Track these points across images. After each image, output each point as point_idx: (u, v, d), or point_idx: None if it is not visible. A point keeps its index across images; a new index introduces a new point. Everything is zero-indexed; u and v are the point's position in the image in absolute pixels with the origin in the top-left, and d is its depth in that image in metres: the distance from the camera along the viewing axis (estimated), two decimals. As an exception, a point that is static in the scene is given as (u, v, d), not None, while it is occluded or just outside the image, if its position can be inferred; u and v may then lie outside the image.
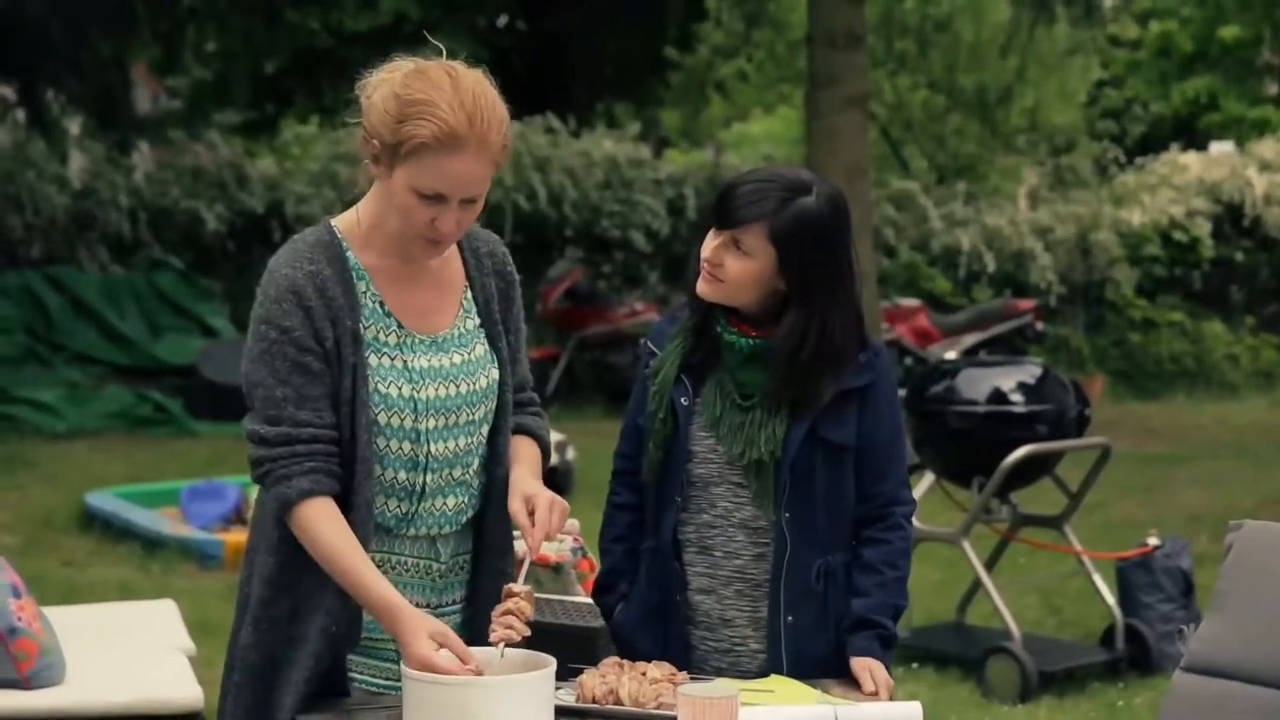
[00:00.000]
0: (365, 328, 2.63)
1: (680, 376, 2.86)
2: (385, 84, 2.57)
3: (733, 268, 2.77)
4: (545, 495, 2.65)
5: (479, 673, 2.49)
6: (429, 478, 2.66)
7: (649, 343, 2.95)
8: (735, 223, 2.76)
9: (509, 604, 2.57)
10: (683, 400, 2.85)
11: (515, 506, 2.66)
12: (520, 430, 2.81)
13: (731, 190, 2.79)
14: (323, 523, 2.56)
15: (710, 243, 2.80)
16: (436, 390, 2.65)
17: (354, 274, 2.64)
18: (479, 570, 2.75)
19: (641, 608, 2.91)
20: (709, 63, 19.42)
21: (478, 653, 2.55)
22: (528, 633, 2.57)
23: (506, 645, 2.55)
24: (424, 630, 2.50)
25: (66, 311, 11.94)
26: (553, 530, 2.63)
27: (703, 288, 2.81)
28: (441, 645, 2.49)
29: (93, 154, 13.12)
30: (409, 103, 2.52)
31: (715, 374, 2.85)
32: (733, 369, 2.84)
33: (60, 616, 4.35)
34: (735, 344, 2.83)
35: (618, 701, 2.60)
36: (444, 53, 2.64)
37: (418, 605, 2.62)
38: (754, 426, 2.80)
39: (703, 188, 13.60)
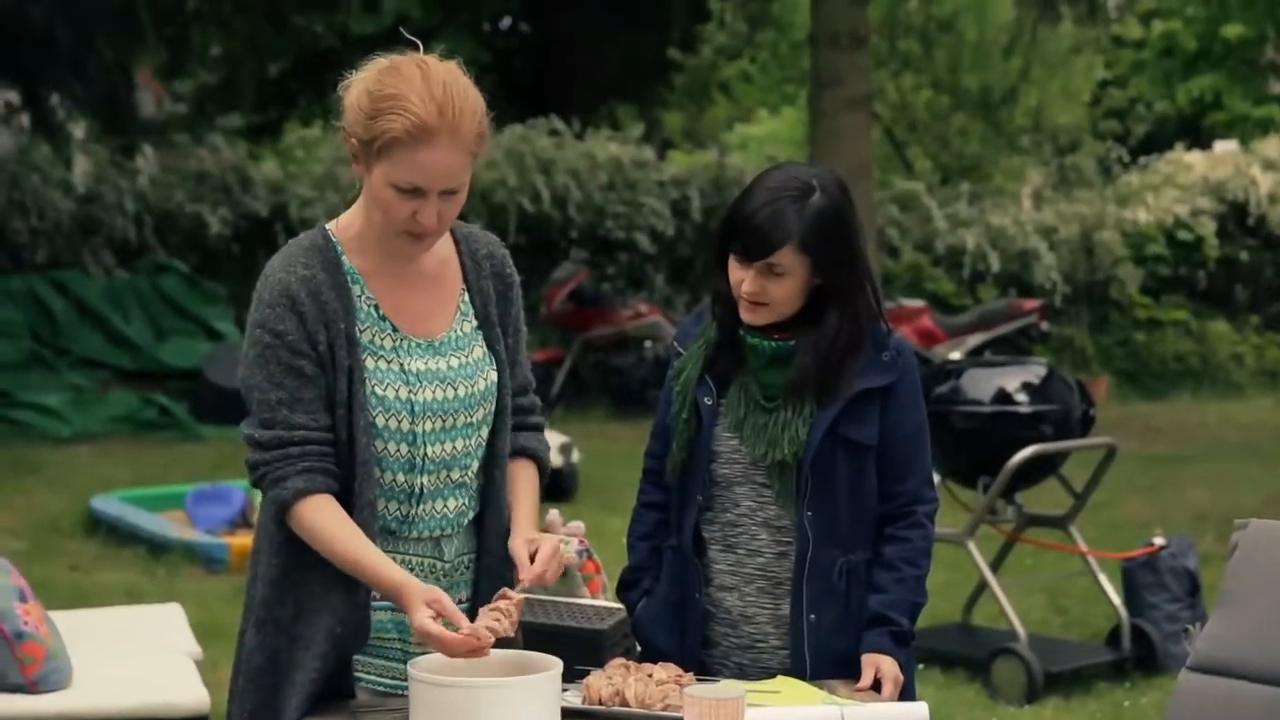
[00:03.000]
0: (360, 331, 2.64)
1: (704, 377, 2.89)
2: (360, 82, 2.59)
3: (775, 291, 2.80)
4: (551, 543, 2.67)
5: (476, 638, 2.50)
6: (425, 480, 2.67)
7: (675, 343, 2.99)
8: (765, 253, 2.78)
9: (499, 603, 2.58)
10: (706, 400, 2.88)
11: (517, 544, 2.66)
12: (521, 453, 2.81)
13: (748, 222, 2.79)
14: (321, 516, 2.57)
15: (743, 274, 2.81)
16: (433, 393, 2.66)
17: (348, 277, 2.65)
18: (479, 571, 2.76)
19: (662, 604, 2.94)
20: (712, 64, 19.42)
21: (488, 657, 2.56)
22: (511, 633, 2.57)
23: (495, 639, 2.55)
24: (420, 600, 2.52)
25: (71, 316, 11.94)
26: (549, 577, 2.64)
27: (749, 317, 2.84)
28: (438, 615, 2.51)
29: (97, 158, 13.13)
30: (380, 98, 2.54)
31: (739, 376, 2.88)
32: (756, 371, 2.87)
33: (66, 621, 4.35)
34: (759, 347, 2.86)
35: (624, 703, 2.61)
36: (420, 47, 2.64)
37: None
38: (777, 427, 2.83)
39: (707, 189, 13.59)
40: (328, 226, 2.70)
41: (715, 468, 2.89)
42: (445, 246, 2.73)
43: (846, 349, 2.82)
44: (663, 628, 2.93)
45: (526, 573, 2.64)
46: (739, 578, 2.90)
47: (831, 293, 2.83)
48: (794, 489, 2.83)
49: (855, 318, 2.83)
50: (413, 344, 2.67)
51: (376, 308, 2.66)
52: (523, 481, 2.80)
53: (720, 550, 2.91)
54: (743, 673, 2.89)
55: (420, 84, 2.54)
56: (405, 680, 2.60)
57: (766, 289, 2.80)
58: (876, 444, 2.85)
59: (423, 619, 2.50)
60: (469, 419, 2.69)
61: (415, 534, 2.69)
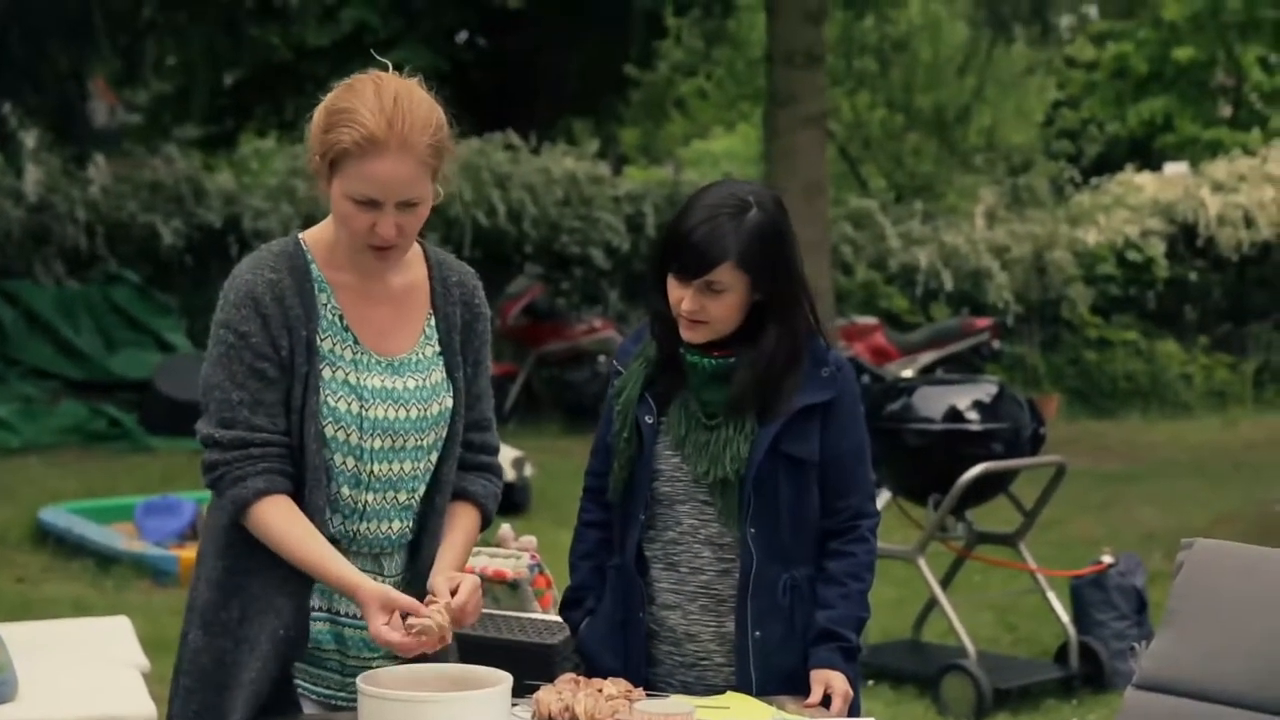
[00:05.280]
0: (321, 339, 2.65)
1: (644, 395, 2.88)
2: (324, 100, 2.64)
3: (714, 309, 2.81)
4: (472, 581, 2.63)
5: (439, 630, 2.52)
6: (370, 497, 2.67)
7: (615, 362, 2.98)
8: (703, 270, 2.78)
9: (434, 606, 2.57)
10: (647, 419, 2.87)
11: (438, 581, 2.63)
12: (469, 497, 2.78)
13: (685, 240, 2.79)
14: (279, 515, 2.59)
15: (681, 293, 2.81)
16: (385, 411, 2.66)
17: (315, 285, 2.66)
18: (409, 593, 2.68)
19: (606, 623, 2.94)
20: (669, 80, 19.45)
21: (430, 670, 2.56)
22: (448, 638, 2.58)
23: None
24: (375, 605, 2.55)
25: (21, 325, 11.84)
26: (466, 616, 2.59)
27: (689, 335, 2.84)
28: (393, 613, 2.53)
29: (49, 167, 13.03)
30: (333, 112, 2.59)
31: (680, 394, 2.88)
32: (697, 389, 2.86)
33: (13, 633, 4.31)
34: (699, 365, 2.86)
35: (574, 718, 2.61)
36: (389, 66, 2.66)
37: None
38: (719, 445, 2.83)
39: (662, 205, 13.61)
40: (300, 236, 2.72)
41: (657, 486, 2.88)
42: (418, 269, 2.74)
43: (786, 365, 2.82)
44: (606, 647, 2.92)
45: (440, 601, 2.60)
46: (682, 596, 2.90)
47: (770, 309, 2.83)
48: (736, 506, 2.83)
49: (794, 334, 2.84)
50: (372, 360, 2.68)
51: (341, 318, 2.67)
52: (460, 526, 2.76)
53: (663, 568, 2.91)
54: (688, 691, 2.88)
55: (371, 97, 2.57)
56: (341, 691, 2.66)
57: (705, 307, 2.80)
58: (818, 459, 2.85)
59: (378, 629, 2.53)
60: (419, 442, 2.69)
61: (356, 549, 2.69)
